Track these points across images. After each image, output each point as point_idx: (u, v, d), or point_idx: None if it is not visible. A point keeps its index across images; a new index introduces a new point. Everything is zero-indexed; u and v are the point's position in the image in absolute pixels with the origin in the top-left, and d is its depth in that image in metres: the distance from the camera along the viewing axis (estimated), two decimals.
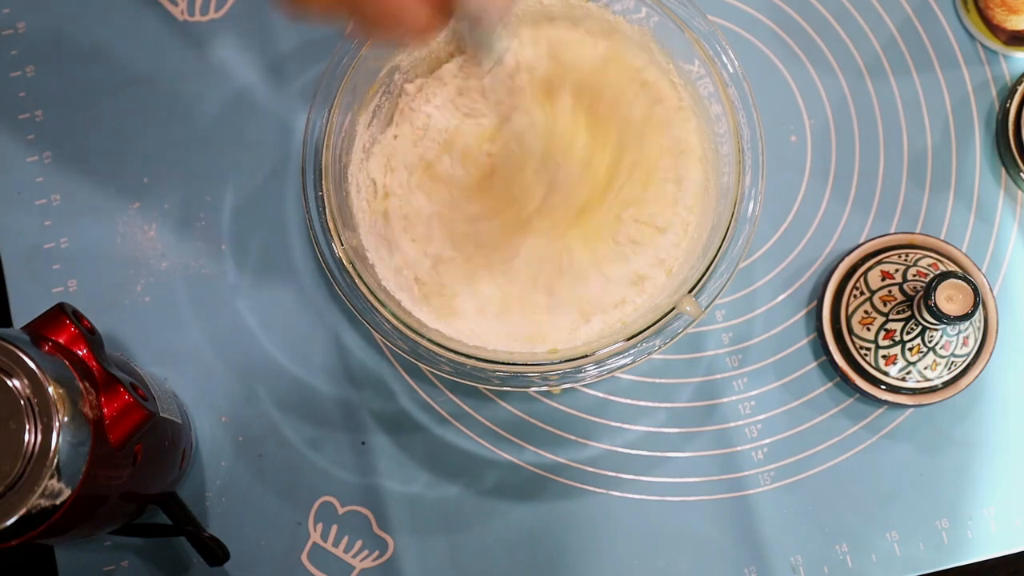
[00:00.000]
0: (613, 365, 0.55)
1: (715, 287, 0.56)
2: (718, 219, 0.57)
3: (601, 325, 0.60)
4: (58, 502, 0.47)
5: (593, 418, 0.64)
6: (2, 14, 0.68)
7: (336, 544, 0.63)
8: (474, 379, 0.56)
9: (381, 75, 0.60)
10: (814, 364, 0.65)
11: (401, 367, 0.65)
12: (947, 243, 0.64)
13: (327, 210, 0.56)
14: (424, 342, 0.55)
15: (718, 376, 0.65)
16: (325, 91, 0.58)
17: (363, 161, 0.61)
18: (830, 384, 0.65)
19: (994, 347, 0.63)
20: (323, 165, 0.57)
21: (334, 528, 0.63)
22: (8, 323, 0.65)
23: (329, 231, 0.56)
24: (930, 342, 0.60)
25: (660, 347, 0.55)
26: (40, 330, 0.51)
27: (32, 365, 0.47)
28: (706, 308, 0.55)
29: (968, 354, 0.62)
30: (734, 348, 0.65)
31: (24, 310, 0.65)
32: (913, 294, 0.60)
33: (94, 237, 0.66)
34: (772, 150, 0.67)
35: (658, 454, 0.64)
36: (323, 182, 0.57)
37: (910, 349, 0.61)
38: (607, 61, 0.62)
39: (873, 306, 0.62)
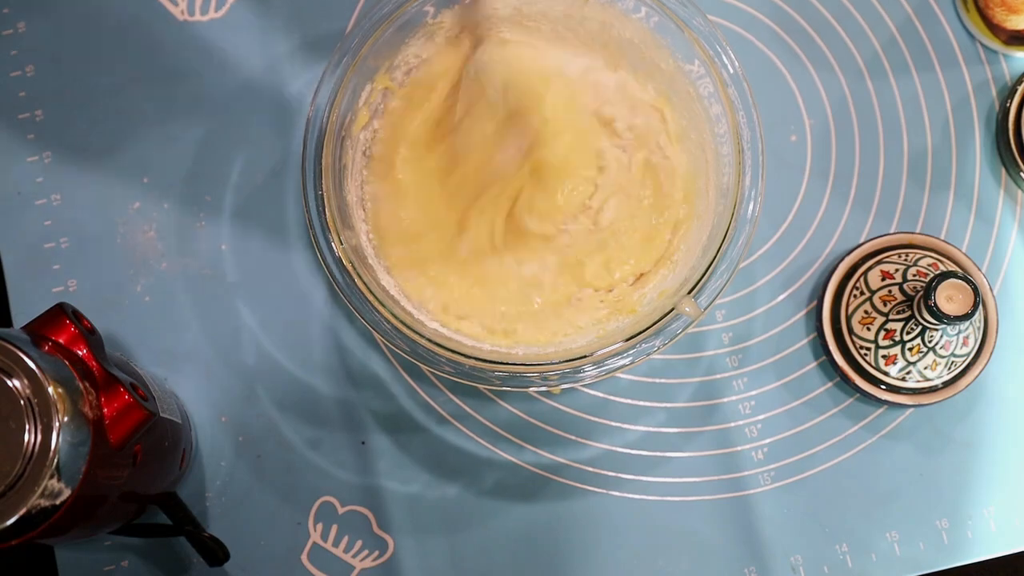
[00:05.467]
0: (613, 365, 0.55)
1: (715, 287, 0.56)
2: (718, 219, 0.57)
3: (598, 330, 0.60)
4: (58, 502, 0.47)
5: (593, 418, 0.64)
6: (2, 14, 0.68)
7: (336, 544, 0.63)
8: (474, 379, 0.56)
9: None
10: (814, 364, 0.65)
11: (401, 367, 0.65)
12: (947, 243, 0.64)
13: (327, 210, 0.56)
14: (424, 342, 0.55)
15: (718, 376, 0.65)
16: (325, 91, 0.58)
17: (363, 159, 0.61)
18: (830, 384, 0.65)
19: (994, 347, 0.63)
20: (323, 165, 0.57)
21: (334, 528, 0.63)
22: (8, 323, 0.65)
23: (329, 231, 0.56)
24: (930, 342, 0.60)
25: (660, 347, 0.55)
26: (40, 330, 0.51)
27: (32, 365, 0.47)
28: (705, 308, 0.55)
29: (968, 354, 0.62)
30: (734, 348, 0.65)
31: (24, 310, 0.65)
32: (913, 294, 0.60)
33: (94, 237, 0.66)
34: (772, 150, 0.67)
35: (658, 454, 0.64)
36: (323, 182, 0.57)
37: (910, 349, 0.61)
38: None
39: (873, 306, 0.62)
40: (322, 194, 0.56)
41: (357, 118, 0.60)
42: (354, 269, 0.56)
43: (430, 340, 0.55)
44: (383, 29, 0.58)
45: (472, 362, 0.55)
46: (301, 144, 0.58)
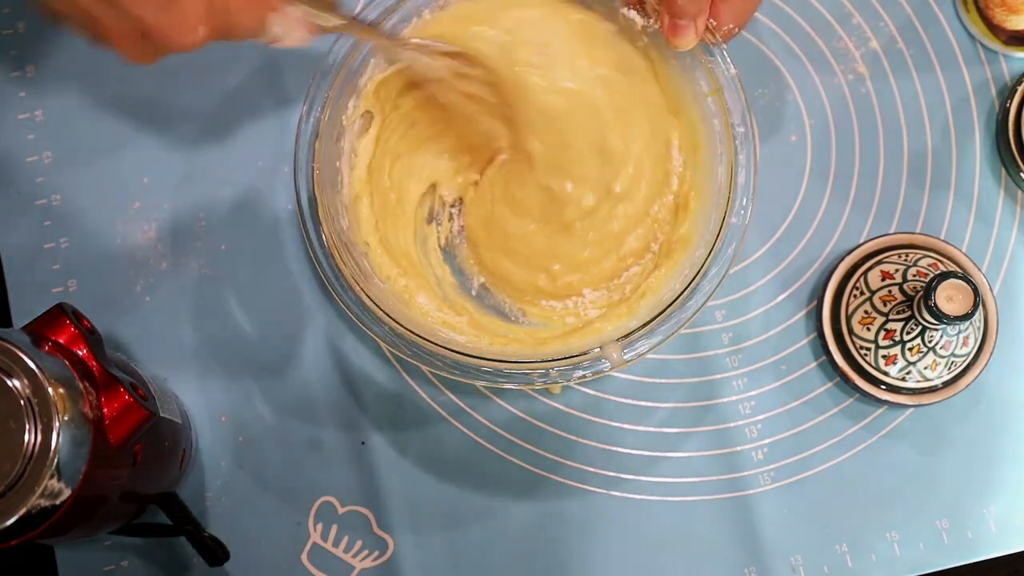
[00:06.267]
0: (608, 365, 0.56)
1: (710, 287, 0.56)
2: (714, 218, 0.58)
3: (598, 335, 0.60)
4: (58, 502, 0.47)
5: (593, 418, 0.64)
6: (2, 14, 0.68)
7: (336, 544, 0.63)
8: (474, 377, 0.56)
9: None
10: (814, 364, 0.65)
11: (400, 367, 0.65)
12: (947, 243, 0.64)
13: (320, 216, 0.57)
14: (423, 342, 0.55)
15: (718, 376, 0.65)
16: (317, 91, 0.58)
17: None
18: (830, 384, 0.65)
19: (994, 347, 0.63)
20: (315, 166, 0.57)
21: (334, 528, 0.63)
22: (8, 323, 0.65)
23: (321, 227, 0.56)
24: (930, 342, 0.60)
25: (657, 345, 0.56)
26: (40, 330, 0.51)
27: (32, 365, 0.47)
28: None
29: (968, 354, 0.62)
30: (734, 348, 0.65)
31: (24, 310, 0.65)
32: (913, 294, 0.60)
33: (94, 237, 0.66)
34: (772, 150, 0.67)
35: (658, 454, 0.64)
36: (315, 183, 0.57)
37: (910, 349, 0.61)
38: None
39: (873, 306, 0.62)
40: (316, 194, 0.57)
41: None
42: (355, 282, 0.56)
43: (429, 340, 0.55)
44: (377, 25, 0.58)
45: (471, 360, 0.55)
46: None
